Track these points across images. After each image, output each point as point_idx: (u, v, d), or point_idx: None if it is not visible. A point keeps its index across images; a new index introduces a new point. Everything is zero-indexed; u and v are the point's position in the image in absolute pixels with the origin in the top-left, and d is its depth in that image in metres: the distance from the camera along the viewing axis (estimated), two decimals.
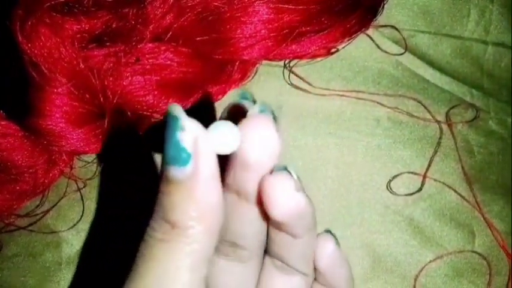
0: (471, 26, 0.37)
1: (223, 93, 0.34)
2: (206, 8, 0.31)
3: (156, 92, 0.31)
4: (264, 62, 0.36)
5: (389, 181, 0.33)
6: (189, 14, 0.31)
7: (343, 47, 0.35)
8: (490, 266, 0.32)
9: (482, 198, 0.33)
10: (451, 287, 0.32)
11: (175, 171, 0.17)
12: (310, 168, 0.34)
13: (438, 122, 0.34)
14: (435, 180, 0.33)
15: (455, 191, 0.33)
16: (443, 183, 0.33)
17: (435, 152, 0.34)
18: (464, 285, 0.32)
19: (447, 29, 0.37)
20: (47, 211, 0.32)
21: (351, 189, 0.34)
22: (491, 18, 0.37)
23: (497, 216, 0.33)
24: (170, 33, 0.31)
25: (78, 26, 0.30)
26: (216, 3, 0.31)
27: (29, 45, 0.28)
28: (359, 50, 0.36)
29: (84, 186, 0.33)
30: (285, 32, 0.32)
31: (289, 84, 0.35)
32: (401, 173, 0.33)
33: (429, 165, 0.34)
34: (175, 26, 0.31)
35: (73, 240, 0.32)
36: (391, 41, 0.37)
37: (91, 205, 0.33)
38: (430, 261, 0.32)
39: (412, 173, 0.33)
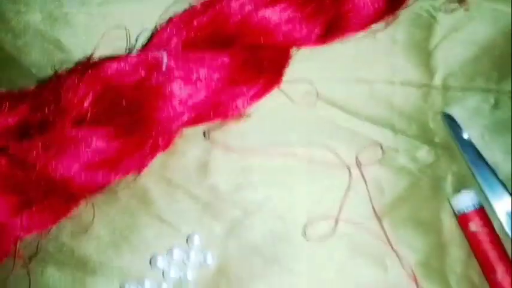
0: (378, 69, 0.41)
1: (150, 161, 0.37)
2: (120, 93, 0.34)
3: (81, 175, 0.34)
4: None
5: (304, 227, 0.37)
6: (105, 99, 0.34)
7: (256, 106, 0.39)
8: None
9: (393, 232, 0.37)
10: None
11: None
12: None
13: (347, 166, 0.38)
14: (346, 222, 0.37)
15: (364, 229, 0.37)
16: (354, 223, 0.37)
17: (345, 195, 0.37)
18: None
19: (356, 74, 0.40)
20: None
21: (277, 232, 0.37)
22: (396, 60, 0.41)
23: (408, 248, 0.37)
24: (88, 116, 0.34)
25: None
26: (127, 91, 0.33)
27: None
28: (274, 105, 0.39)
29: (29, 263, 0.36)
30: (198, 106, 0.35)
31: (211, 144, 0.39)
32: (314, 219, 0.37)
33: (340, 209, 0.37)
34: (94, 110, 0.34)
35: None
36: (304, 92, 0.40)
37: (37, 278, 0.36)
38: None
39: (325, 217, 0.37)
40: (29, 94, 0.35)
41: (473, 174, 0.38)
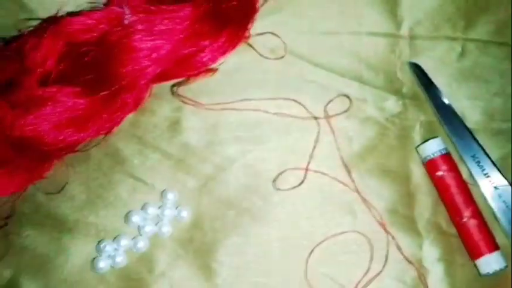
0: (344, 20, 0.41)
1: (120, 120, 0.38)
2: (83, 50, 0.34)
3: (51, 133, 0.35)
4: (156, 85, 0.39)
5: (274, 179, 0.38)
6: (69, 56, 0.34)
7: (225, 61, 0.39)
8: (371, 241, 0.37)
9: (361, 180, 0.38)
10: (339, 264, 0.37)
11: None
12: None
13: (315, 118, 0.39)
14: (316, 171, 0.38)
15: (334, 178, 0.38)
16: (323, 173, 0.38)
17: (314, 147, 0.38)
18: (351, 261, 0.37)
19: (322, 27, 0.41)
20: None
21: (249, 185, 0.38)
22: (362, 11, 0.41)
23: (376, 196, 0.38)
24: (53, 75, 0.34)
25: None
26: (89, 46, 0.34)
27: None
28: (243, 60, 0.40)
29: (6, 225, 0.37)
30: (163, 59, 0.35)
31: (182, 102, 0.39)
32: (285, 170, 0.38)
33: (310, 160, 0.38)
34: (59, 69, 0.34)
35: (3, 272, 0.36)
36: (272, 46, 0.40)
37: (14, 238, 0.37)
38: (319, 243, 0.37)
39: (294, 168, 0.38)
40: None
41: (440, 122, 0.39)
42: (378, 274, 0.36)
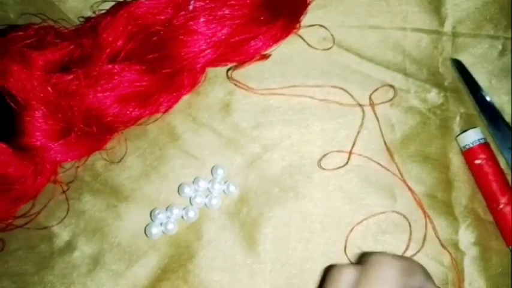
0: (390, 17, 0.43)
1: (177, 99, 0.41)
2: (150, 31, 0.38)
3: (116, 105, 0.38)
4: (212, 68, 0.42)
5: (318, 160, 0.40)
6: (137, 37, 0.38)
7: (276, 49, 0.42)
8: (410, 222, 0.39)
9: (402, 166, 0.40)
10: (377, 243, 0.39)
11: None
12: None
13: (360, 105, 0.41)
14: (359, 155, 0.40)
15: (376, 162, 0.40)
16: (366, 157, 0.40)
17: (358, 132, 0.41)
18: (389, 240, 0.39)
19: (369, 22, 0.43)
20: (39, 211, 0.40)
21: (294, 165, 0.41)
22: (407, 8, 0.43)
23: (416, 181, 0.40)
24: (123, 54, 0.38)
25: (45, 58, 0.37)
26: (157, 27, 0.37)
27: (5, 81, 0.35)
28: (292, 49, 0.43)
29: (67, 189, 0.40)
30: (221, 43, 0.39)
31: (235, 85, 0.42)
32: (329, 152, 0.40)
33: (354, 143, 0.40)
34: (126, 48, 0.38)
35: (62, 233, 0.40)
36: (321, 38, 0.43)
37: (74, 203, 0.40)
38: (359, 222, 0.39)
39: (338, 151, 0.40)
40: (70, 33, 0.39)
41: (479, 114, 0.41)
42: (416, 253, 0.38)
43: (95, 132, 0.39)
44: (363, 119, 0.41)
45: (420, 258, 0.38)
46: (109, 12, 0.39)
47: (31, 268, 0.39)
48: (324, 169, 0.40)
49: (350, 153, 0.40)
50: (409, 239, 0.39)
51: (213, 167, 0.41)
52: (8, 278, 0.39)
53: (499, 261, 0.38)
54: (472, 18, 0.43)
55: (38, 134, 0.38)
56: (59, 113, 0.37)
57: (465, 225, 0.39)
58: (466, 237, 0.39)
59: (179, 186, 0.41)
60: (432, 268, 0.38)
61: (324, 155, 0.40)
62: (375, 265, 0.30)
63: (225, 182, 0.40)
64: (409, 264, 0.31)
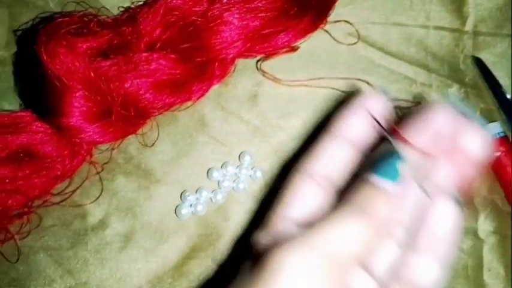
0: (413, 14, 0.45)
1: (208, 88, 0.44)
2: (186, 21, 0.40)
3: (151, 91, 0.41)
4: (241, 60, 0.45)
5: None
6: (173, 27, 0.40)
7: (303, 43, 0.44)
8: None
9: None
10: None
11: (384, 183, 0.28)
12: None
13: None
14: None
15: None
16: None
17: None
18: None
19: (393, 19, 0.45)
20: (74, 190, 0.42)
21: None
22: (430, 6, 0.45)
23: None
24: (159, 43, 0.41)
25: (88, 44, 0.39)
26: (193, 18, 0.40)
27: (51, 62, 0.37)
28: (318, 43, 0.45)
29: (102, 170, 0.43)
30: (251, 35, 0.41)
31: (263, 76, 0.44)
32: None
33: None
34: (163, 37, 0.41)
35: (95, 212, 0.42)
36: (346, 33, 0.45)
37: (108, 184, 0.43)
38: None
39: None
40: (111, 22, 0.41)
41: (498, 110, 0.43)
42: None
43: (131, 116, 0.41)
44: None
45: None
46: (147, 3, 0.42)
47: (66, 243, 0.42)
48: None
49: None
50: None
51: (241, 153, 0.43)
52: (44, 252, 0.41)
53: None
54: (493, 18, 0.45)
55: (77, 114, 0.40)
56: (99, 96, 0.39)
57: (484, 215, 0.41)
58: (485, 226, 0.41)
59: (208, 170, 0.43)
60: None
61: None
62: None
63: (252, 168, 0.43)
64: None
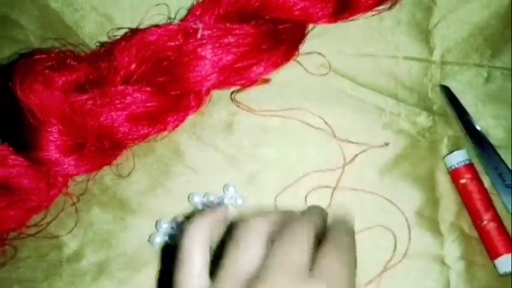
0: (383, 45, 0.49)
1: (183, 119, 0.46)
2: (161, 56, 0.43)
3: (126, 124, 0.43)
4: (216, 91, 0.47)
5: (307, 193, 0.45)
6: (149, 61, 0.43)
7: (277, 74, 0.47)
8: (396, 237, 0.43)
9: (392, 184, 0.45)
10: (366, 252, 0.43)
11: None
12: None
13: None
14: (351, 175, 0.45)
15: (367, 179, 0.45)
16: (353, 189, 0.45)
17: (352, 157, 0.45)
18: (377, 252, 0.43)
19: (364, 50, 0.49)
20: (50, 221, 0.45)
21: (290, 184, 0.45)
22: (399, 37, 0.49)
23: (405, 199, 0.45)
24: (135, 77, 0.43)
25: (64, 79, 0.42)
26: (168, 52, 0.42)
27: (27, 98, 0.40)
28: (291, 74, 0.48)
29: (78, 201, 0.45)
30: (225, 68, 0.44)
31: (237, 106, 0.47)
32: (315, 188, 0.45)
33: (345, 164, 0.45)
34: (139, 71, 0.43)
35: (70, 243, 0.44)
36: (318, 64, 0.48)
37: (83, 215, 0.45)
38: None
39: (324, 187, 0.45)
40: (87, 56, 0.44)
41: (466, 137, 0.46)
42: (397, 263, 0.43)
43: (106, 148, 0.44)
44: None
45: (407, 271, 0.43)
46: (123, 38, 0.45)
47: (40, 275, 0.44)
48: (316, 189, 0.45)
49: (343, 169, 0.45)
50: (394, 252, 0.43)
51: (225, 185, 0.45)
52: (19, 284, 0.43)
53: (484, 274, 0.43)
54: (459, 48, 0.48)
55: (52, 148, 0.42)
56: (74, 130, 0.42)
57: (450, 241, 0.44)
58: (451, 251, 0.43)
59: (189, 195, 0.45)
60: (420, 281, 0.43)
61: (309, 191, 0.45)
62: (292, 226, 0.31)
63: (232, 197, 0.45)
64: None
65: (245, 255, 0.30)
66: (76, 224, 0.45)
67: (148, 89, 0.44)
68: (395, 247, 0.43)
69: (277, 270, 0.29)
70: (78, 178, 0.45)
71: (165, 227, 0.44)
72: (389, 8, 0.48)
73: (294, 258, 0.30)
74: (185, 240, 0.31)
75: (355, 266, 0.32)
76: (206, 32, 0.43)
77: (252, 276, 0.29)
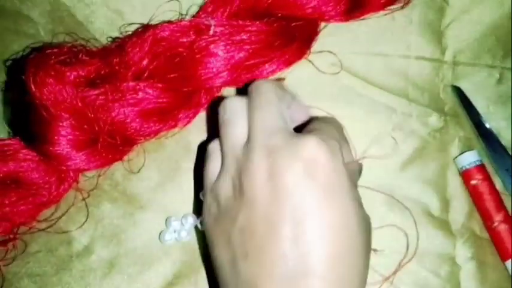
0: (395, 45, 0.48)
1: (194, 115, 0.46)
2: (173, 52, 0.43)
3: (138, 120, 0.43)
4: (228, 88, 0.47)
5: None
6: (160, 57, 0.43)
7: (287, 73, 0.47)
8: (408, 236, 0.43)
9: (405, 187, 0.45)
10: (377, 253, 0.43)
11: None
12: None
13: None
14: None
15: (378, 178, 0.44)
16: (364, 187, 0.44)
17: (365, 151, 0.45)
18: (388, 251, 0.43)
19: (376, 49, 0.48)
20: (60, 216, 0.45)
21: None
22: (411, 37, 0.48)
23: (416, 200, 0.45)
24: (147, 73, 0.43)
25: (76, 73, 0.42)
26: (180, 49, 0.42)
27: (39, 92, 0.40)
28: (302, 73, 0.48)
29: (88, 196, 0.45)
30: (237, 65, 0.44)
31: None
32: None
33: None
34: (150, 67, 0.43)
35: (81, 238, 0.44)
36: (329, 63, 0.48)
37: (93, 210, 0.45)
38: None
39: None
40: (99, 52, 0.44)
41: (477, 138, 0.46)
42: (407, 263, 0.43)
43: (117, 143, 0.44)
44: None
45: (418, 270, 0.43)
46: (135, 33, 0.45)
47: (50, 269, 0.44)
48: None
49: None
50: (407, 252, 0.43)
51: None
52: (28, 278, 0.43)
53: (495, 275, 0.43)
54: (471, 49, 0.48)
55: (64, 143, 0.42)
56: (85, 125, 0.42)
57: (462, 241, 0.44)
58: (462, 251, 0.43)
59: (200, 193, 0.45)
60: (430, 280, 0.42)
61: None
62: (257, 92, 0.36)
63: None
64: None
65: (233, 133, 0.35)
66: (86, 219, 0.45)
67: (159, 85, 0.44)
68: (407, 247, 0.43)
69: (258, 137, 0.33)
70: (89, 173, 0.46)
71: (175, 224, 0.44)
72: (402, 8, 0.48)
73: (268, 119, 0.34)
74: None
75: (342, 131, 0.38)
76: (218, 29, 0.43)
77: (244, 147, 0.34)
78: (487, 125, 0.46)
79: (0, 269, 0.44)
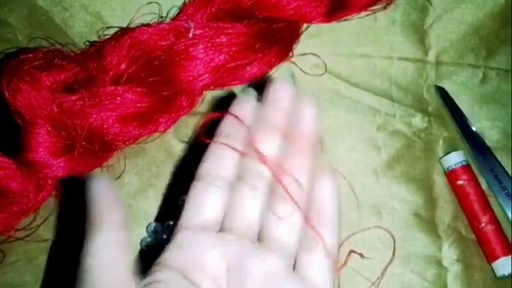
0: (378, 46, 0.47)
1: (175, 120, 0.45)
2: (152, 55, 0.42)
3: (117, 125, 0.42)
4: (209, 91, 0.46)
5: None
6: (139, 61, 0.42)
7: (270, 75, 0.46)
8: (394, 238, 0.42)
9: (388, 186, 0.44)
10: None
11: None
12: None
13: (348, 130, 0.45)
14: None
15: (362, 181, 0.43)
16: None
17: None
18: (375, 254, 0.42)
19: (358, 50, 0.47)
20: (39, 225, 0.43)
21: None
22: (394, 38, 0.47)
23: (401, 201, 0.44)
24: (125, 77, 0.42)
25: (52, 79, 0.41)
26: (159, 52, 0.41)
27: (14, 99, 0.38)
28: (286, 75, 0.46)
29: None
30: (218, 68, 0.42)
31: None
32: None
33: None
34: (129, 71, 0.42)
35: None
36: (312, 64, 0.47)
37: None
38: (347, 237, 0.42)
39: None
40: (76, 56, 0.43)
41: (462, 138, 0.45)
42: (389, 264, 0.42)
43: (96, 149, 0.42)
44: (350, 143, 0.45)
45: (405, 274, 0.41)
46: (113, 37, 0.43)
47: (29, 279, 0.42)
48: None
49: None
50: (393, 255, 0.42)
51: None
52: None
53: (481, 277, 0.42)
54: (454, 49, 0.47)
55: (41, 150, 0.41)
56: (63, 131, 0.40)
57: (448, 243, 0.42)
58: (449, 253, 0.42)
59: (180, 200, 0.44)
60: (417, 283, 0.41)
61: None
62: None
63: None
64: None
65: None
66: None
67: (139, 89, 0.42)
68: (394, 249, 0.42)
69: None
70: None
71: (154, 230, 0.43)
72: (384, 8, 0.47)
73: None
74: None
75: None
76: (198, 31, 0.42)
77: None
78: (471, 125, 0.45)
79: None
